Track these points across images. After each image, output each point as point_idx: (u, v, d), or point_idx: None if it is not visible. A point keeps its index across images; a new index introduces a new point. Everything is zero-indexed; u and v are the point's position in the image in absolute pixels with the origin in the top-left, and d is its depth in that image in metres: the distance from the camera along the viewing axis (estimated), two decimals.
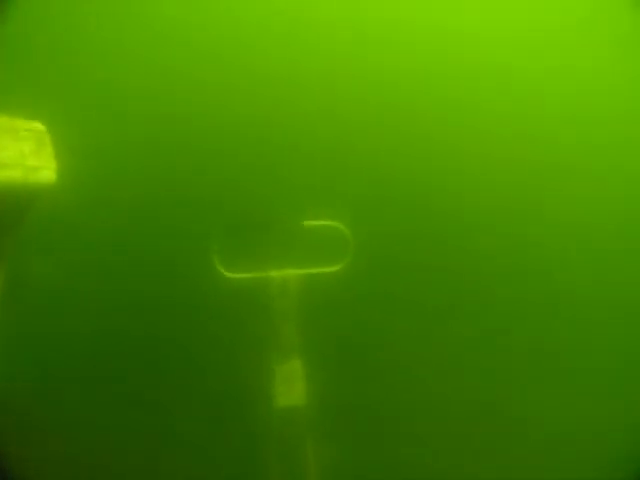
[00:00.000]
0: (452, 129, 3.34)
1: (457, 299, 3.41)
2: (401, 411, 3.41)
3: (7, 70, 3.08)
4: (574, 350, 3.24)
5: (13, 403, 3.04)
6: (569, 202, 3.27)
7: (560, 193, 3.30)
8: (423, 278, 3.42)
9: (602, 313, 3.21)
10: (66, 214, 3.16)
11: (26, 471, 2.88)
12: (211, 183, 3.40)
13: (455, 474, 3.22)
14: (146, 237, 3.38)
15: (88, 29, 3.23)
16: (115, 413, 3.30)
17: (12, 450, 2.82)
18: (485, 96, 3.31)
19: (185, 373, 3.40)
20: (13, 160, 2.01)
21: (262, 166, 3.41)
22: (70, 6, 3.23)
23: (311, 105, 3.32)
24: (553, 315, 3.25)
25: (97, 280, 3.38)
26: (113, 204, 3.32)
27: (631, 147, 3.28)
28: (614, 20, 3.17)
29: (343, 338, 3.44)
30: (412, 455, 3.29)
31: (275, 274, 3.28)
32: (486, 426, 3.26)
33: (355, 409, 3.41)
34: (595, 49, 3.22)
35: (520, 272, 3.34)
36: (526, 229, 3.34)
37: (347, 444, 3.30)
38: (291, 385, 3.23)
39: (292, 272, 3.29)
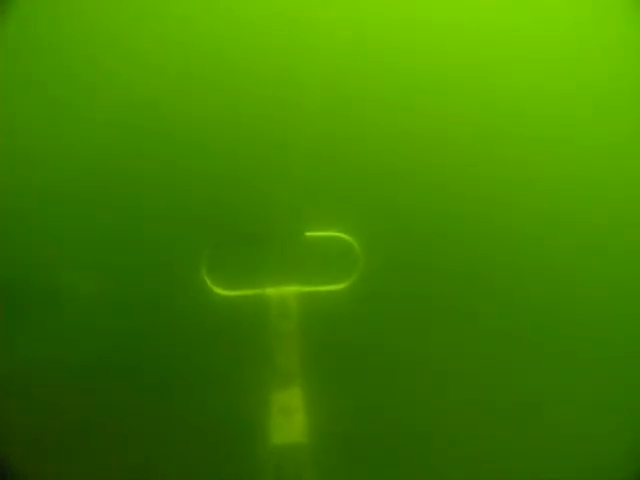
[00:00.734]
0: (464, 136, 3.16)
1: (478, 324, 3.19)
2: (414, 451, 3.24)
3: (7, 70, 3.08)
4: (574, 350, 3.18)
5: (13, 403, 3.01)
6: (580, 206, 3.19)
7: (575, 198, 3.20)
8: (441, 297, 3.25)
9: (603, 314, 3.18)
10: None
11: (26, 471, 2.89)
12: (201, 189, 3.21)
13: None
14: (127, 251, 3.18)
15: (88, 30, 3.16)
16: (102, 449, 3.14)
17: (12, 450, 2.86)
18: (496, 106, 3.20)
19: (170, 403, 3.18)
20: None
21: (258, 170, 3.17)
22: (70, 6, 3.17)
23: (315, 104, 3.14)
24: (567, 325, 3.14)
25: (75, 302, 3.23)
26: (98, 215, 3.18)
27: (632, 146, 3.23)
28: (614, 20, 3.16)
29: (349, 365, 3.24)
30: None
31: (273, 292, 3.14)
32: (487, 429, 3.18)
33: (361, 446, 3.24)
34: (595, 49, 3.19)
35: (540, 291, 3.18)
36: (546, 244, 3.18)
37: None
38: (289, 418, 3.09)
39: (292, 290, 3.15)
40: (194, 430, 3.25)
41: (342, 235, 3.17)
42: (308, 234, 3.18)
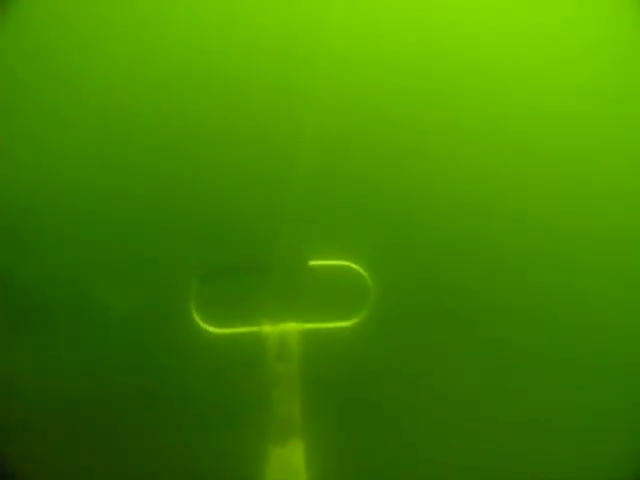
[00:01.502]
0: (476, 157, 3.22)
1: (499, 368, 3.20)
2: None
3: (7, 70, 3.09)
4: (575, 350, 3.20)
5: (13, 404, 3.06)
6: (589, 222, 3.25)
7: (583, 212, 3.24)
8: (461, 337, 3.21)
9: (604, 317, 3.20)
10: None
11: (26, 471, 2.95)
12: (189, 208, 3.18)
13: None
14: (109, 279, 3.16)
15: (87, 31, 3.17)
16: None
17: (12, 450, 2.93)
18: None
19: (157, 456, 3.14)
20: None
21: (255, 188, 3.15)
22: (70, 7, 3.16)
23: (318, 119, 3.09)
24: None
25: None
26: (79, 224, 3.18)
27: (632, 149, 3.25)
28: (614, 20, 3.18)
29: (358, 416, 3.16)
30: None
31: (270, 330, 3.02)
32: (488, 429, 3.18)
33: None
34: (595, 50, 3.20)
35: (549, 308, 3.21)
36: (561, 266, 3.23)
37: None
38: (289, 474, 2.98)
39: (292, 327, 3.03)
40: None
41: (350, 264, 3.09)
42: (311, 263, 3.09)
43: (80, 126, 3.10)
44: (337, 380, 3.09)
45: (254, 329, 3.01)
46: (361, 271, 3.07)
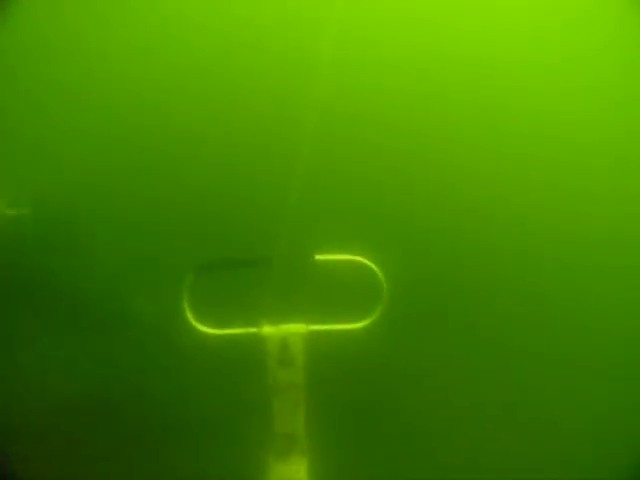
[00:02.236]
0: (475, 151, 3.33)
1: (516, 372, 3.28)
2: None
3: (7, 70, 3.14)
4: (575, 351, 3.29)
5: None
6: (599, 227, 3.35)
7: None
8: (474, 341, 3.26)
9: (604, 319, 3.30)
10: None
11: (26, 471, 2.95)
12: (186, 199, 3.24)
13: None
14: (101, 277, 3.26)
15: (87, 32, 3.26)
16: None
17: (12, 450, 2.95)
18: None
19: (153, 467, 3.10)
20: None
21: (256, 177, 3.22)
22: (69, 7, 3.24)
23: (324, 109, 3.06)
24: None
25: None
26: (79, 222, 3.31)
27: (631, 147, 3.33)
28: (614, 20, 3.23)
29: (368, 428, 3.14)
30: None
31: (271, 331, 2.86)
32: (488, 429, 3.23)
33: None
34: (594, 50, 3.27)
35: (559, 307, 3.31)
36: (578, 270, 3.35)
37: None
38: None
39: (296, 329, 2.88)
40: None
41: (361, 259, 2.94)
42: (318, 257, 2.97)
43: (80, 125, 3.16)
44: (346, 389, 3.06)
45: (253, 330, 2.85)
46: (373, 266, 2.91)
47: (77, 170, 3.15)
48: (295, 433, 2.82)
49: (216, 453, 3.10)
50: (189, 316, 2.87)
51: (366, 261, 2.93)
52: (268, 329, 2.84)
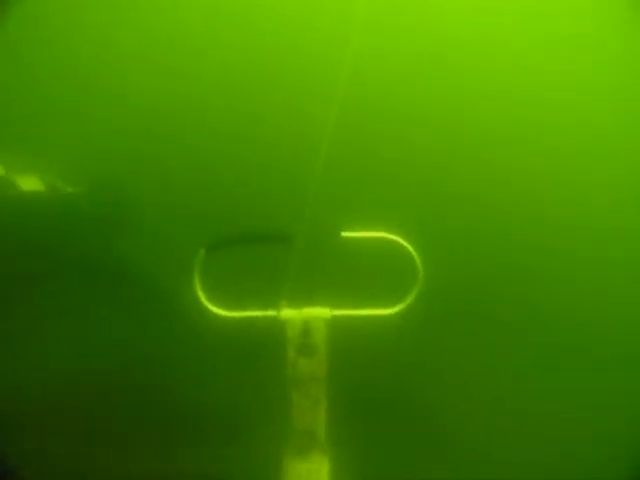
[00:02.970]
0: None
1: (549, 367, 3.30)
2: None
3: (7, 70, 3.18)
4: (576, 351, 3.34)
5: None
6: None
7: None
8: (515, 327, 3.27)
9: (604, 320, 3.36)
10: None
11: (26, 471, 2.92)
12: (204, 174, 3.38)
13: None
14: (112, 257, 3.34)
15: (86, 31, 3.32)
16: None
17: (12, 450, 2.92)
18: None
19: (160, 463, 3.06)
20: None
21: (279, 149, 3.24)
22: (69, 7, 3.31)
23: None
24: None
25: None
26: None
27: (632, 145, 3.39)
28: (614, 20, 3.28)
29: (393, 424, 3.05)
30: None
31: (291, 315, 2.69)
32: (489, 429, 3.19)
33: None
34: (594, 50, 3.35)
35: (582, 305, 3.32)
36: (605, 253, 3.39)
37: None
38: None
39: (319, 313, 2.70)
40: None
41: (393, 237, 2.74)
42: (344, 234, 2.78)
43: (80, 125, 3.23)
44: (372, 382, 3.01)
45: (271, 313, 2.69)
46: (407, 246, 2.70)
47: (125, 158, 3.22)
48: (315, 430, 2.69)
49: (230, 450, 3.05)
50: (201, 296, 2.69)
51: (399, 239, 2.72)
52: (288, 312, 2.69)
